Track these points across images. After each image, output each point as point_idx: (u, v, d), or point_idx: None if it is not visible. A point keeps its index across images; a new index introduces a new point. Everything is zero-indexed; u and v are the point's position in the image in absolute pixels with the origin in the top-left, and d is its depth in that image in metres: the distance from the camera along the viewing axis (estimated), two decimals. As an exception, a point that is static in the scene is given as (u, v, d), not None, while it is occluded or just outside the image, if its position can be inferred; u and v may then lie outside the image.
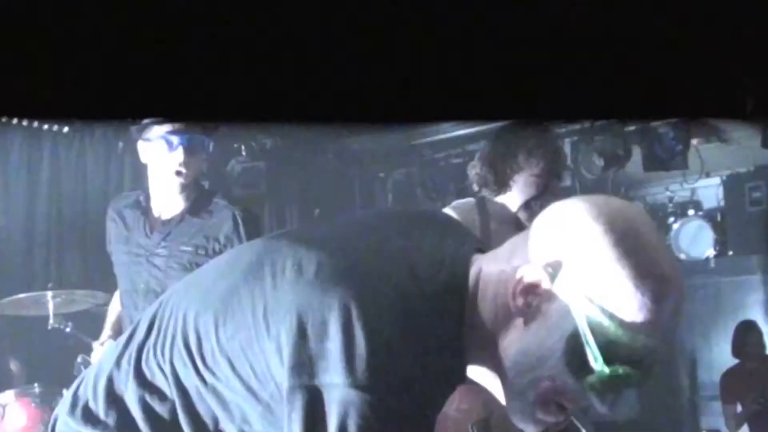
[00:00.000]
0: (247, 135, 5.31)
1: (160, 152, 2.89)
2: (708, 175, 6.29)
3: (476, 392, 3.08)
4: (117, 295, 3.28)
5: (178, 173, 2.90)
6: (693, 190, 6.54)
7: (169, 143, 2.85)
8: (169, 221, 3.03)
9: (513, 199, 2.95)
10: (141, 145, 2.97)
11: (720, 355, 5.74)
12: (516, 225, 3.05)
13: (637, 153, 5.54)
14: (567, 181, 5.60)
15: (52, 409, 3.48)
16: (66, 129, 4.79)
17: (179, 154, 2.86)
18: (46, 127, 4.75)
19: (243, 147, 5.28)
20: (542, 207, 2.59)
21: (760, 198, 6.22)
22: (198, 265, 2.84)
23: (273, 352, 1.01)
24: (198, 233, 3.00)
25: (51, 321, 3.83)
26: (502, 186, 2.91)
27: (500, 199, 2.95)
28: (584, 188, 5.69)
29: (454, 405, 2.95)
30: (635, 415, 6.21)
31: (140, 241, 3.04)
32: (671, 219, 6.46)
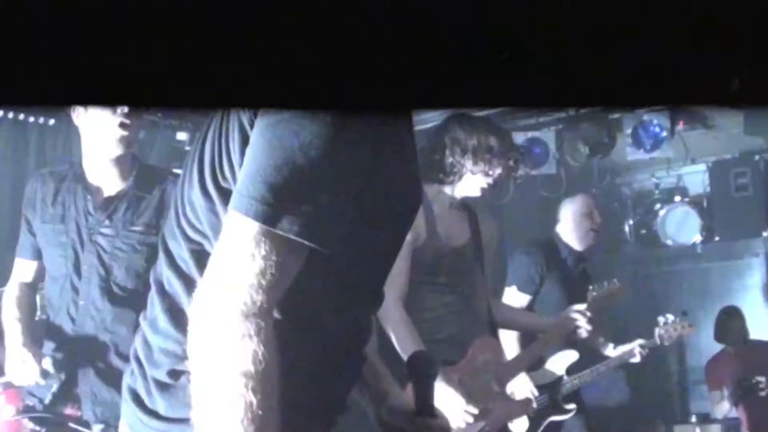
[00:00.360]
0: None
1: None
2: (693, 162, 6.34)
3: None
4: (14, 292, 2.97)
5: (123, 125, 2.60)
6: (679, 177, 6.58)
7: None
8: (113, 198, 2.74)
9: (460, 188, 2.97)
10: (75, 108, 2.66)
11: (708, 341, 5.78)
12: (463, 207, 3.08)
13: (621, 140, 5.58)
14: (552, 169, 5.64)
15: (40, 401, 3.42)
16: (52, 121, 4.78)
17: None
18: (32, 119, 4.74)
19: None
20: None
21: (745, 184, 6.26)
22: (149, 246, 2.63)
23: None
24: (147, 210, 2.72)
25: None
26: (447, 177, 2.93)
27: (445, 187, 2.97)
28: (570, 176, 5.73)
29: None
30: (625, 401, 6.26)
31: (80, 220, 2.74)
32: (657, 205, 6.50)
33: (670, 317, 4.04)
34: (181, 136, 5.01)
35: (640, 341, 3.96)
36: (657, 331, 3.99)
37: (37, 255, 2.93)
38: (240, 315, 1.00)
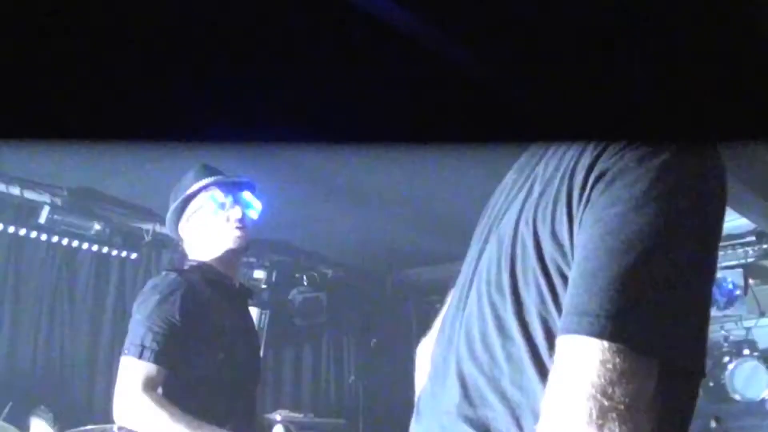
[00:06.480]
0: (308, 265, 5.35)
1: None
2: (764, 315, 6.22)
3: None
4: None
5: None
6: (748, 330, 6.44)
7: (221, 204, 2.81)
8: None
9: None
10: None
11: (779, 505, 5.48)
12: None
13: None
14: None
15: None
16: (134, 255, 4.85)
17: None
18: (114, 253, 4.82)
19: (305, 277, 5.31)
20: None
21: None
22: None
23: None
24: None
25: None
26: None
27: None
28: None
29: None
30: None
31: None
32: (726, 358, 6.33)
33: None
34: (258, 274, 5.04)
35: None
36: None
37: None
38: None
